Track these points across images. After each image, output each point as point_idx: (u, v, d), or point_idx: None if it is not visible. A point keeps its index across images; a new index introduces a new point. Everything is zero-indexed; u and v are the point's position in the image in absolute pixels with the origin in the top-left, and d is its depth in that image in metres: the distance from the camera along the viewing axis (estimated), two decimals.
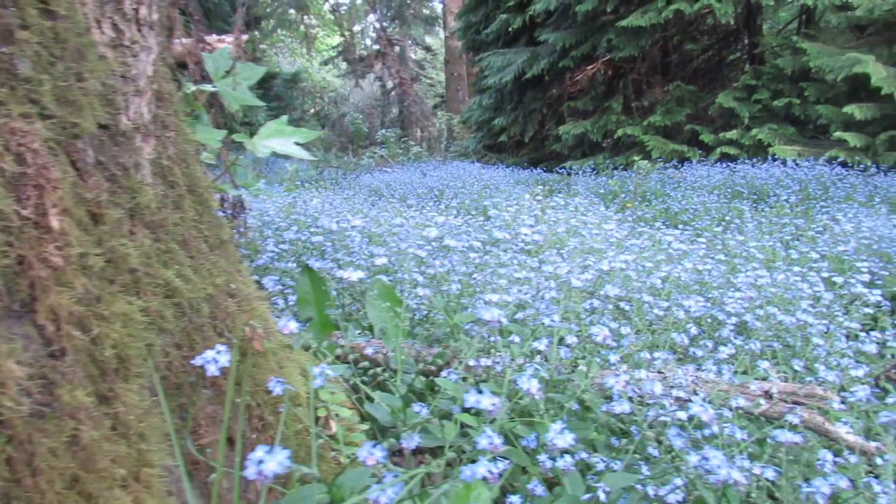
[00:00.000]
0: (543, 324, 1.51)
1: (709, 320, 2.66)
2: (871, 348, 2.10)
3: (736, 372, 2.46)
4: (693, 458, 1.08)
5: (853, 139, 8.82)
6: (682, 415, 1.23)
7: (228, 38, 3.44)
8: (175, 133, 1.01)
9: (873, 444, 1.83)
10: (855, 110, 8.76)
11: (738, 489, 1.34)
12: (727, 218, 5.90)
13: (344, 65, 28.30)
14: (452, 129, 20.09)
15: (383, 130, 17.16)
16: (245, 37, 1.74)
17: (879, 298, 2.73)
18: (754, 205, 7.33)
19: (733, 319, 2.57)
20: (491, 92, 13.60)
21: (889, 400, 1.66)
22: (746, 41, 11.99)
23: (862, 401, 1.61)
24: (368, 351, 1.49)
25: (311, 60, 29.90)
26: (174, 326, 0.91)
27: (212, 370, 0.85)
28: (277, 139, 1.35)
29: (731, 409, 1.59)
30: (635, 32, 10.58)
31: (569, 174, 10.84)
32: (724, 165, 9.10)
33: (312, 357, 1.42)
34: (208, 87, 1.38)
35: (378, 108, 30.85)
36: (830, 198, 7.05)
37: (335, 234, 2.92)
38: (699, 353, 2.19)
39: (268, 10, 21.76)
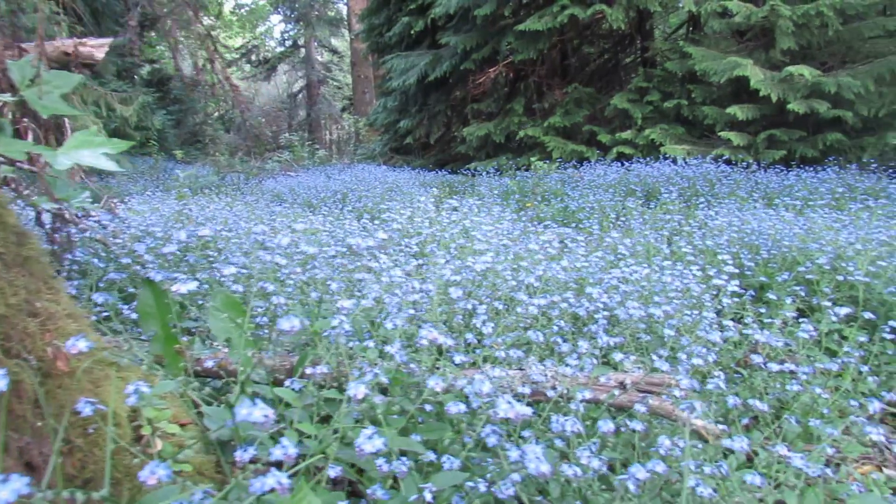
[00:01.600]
0: (387, 327, 1.52)
1: (584, 315, 2.75)
2: (713, 338, 2.22)
3: (608, 363, 2.55)
4: (514, 454, 1.11)
5: (736, 138, 9.34)
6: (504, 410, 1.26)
7: (97, 42, 3.28)
8: None
9: (718, 427, 1.94)
10: (737, 111, 9.28)
11: (567, 480, 1.39)
12: (613, 216, 6.12)
13: (248, 67, 27.64)
14: (359, 131, 19.98)
15: (286, 134, 16.84)
16: (73, 41, 1.66)
17: (737, 288, 2.90)
18: (646, 202, 7.64)
19: (604, 313, 2.66)
20: (396, 94, 13.62)
21: (709, 386, 1.76)
22: (639, 45, 12.50)
23: (694, 388, 1.70)
24: (209, 364, 1.45)
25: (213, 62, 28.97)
26: None
27: None
28: (86, 150, 1.28)
29: (579, 402, 1.65)
30: (533, 36, 10.84)
31: (473, 175, 10.98)
32: (620, 164, 9.45)
33: (147, 373, 1.37)
34: (6, 98, 1.30)
35: (285, 110, 30.33)
36: (716, 194, 7.44)
37: (209, 243, 2.84)
38: (565, 348, 2.26)
39: (165, 10, 20.95)
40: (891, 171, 8.12)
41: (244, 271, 2.24)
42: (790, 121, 9.22)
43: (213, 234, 2.39)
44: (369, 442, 0.96)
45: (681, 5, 11.88)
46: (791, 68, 8.69)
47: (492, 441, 1.16)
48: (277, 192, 10.26)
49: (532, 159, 9.20)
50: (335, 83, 29.42)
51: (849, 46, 9.44)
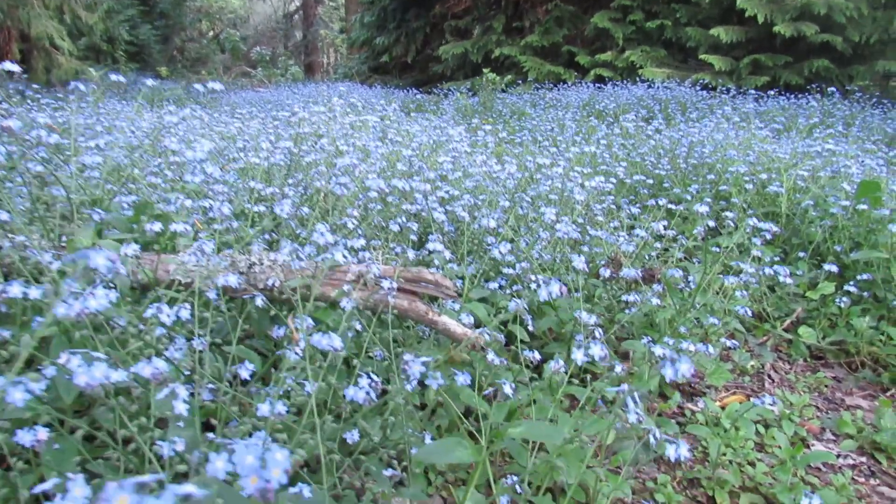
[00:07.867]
0: None
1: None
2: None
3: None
4: None
5: (719, 62, 8.75)
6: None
7: None
8: None
9: (484, 336, 1.58)
10: (721, 32, 8.67)
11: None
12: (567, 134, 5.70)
13: None
14: (338, 49, 19.19)
15: (257, 48, 16.14)
16: None
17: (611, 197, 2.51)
18: (613, 123, 7.16)
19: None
20: (375, 9, 12.89)
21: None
22: None
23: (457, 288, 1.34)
24: None
25: None
26: None
27: None
28: None
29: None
30: None
31: (446, 95, 10.48)
32: (596, 87, 8.92)
33: None
34: None
35: (280, 31, 29.31)
36: (687, 119, 6.96)
37: None
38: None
39: None
40: (875, 99, 7.55)
41: None
42: (777, 45, 8.60)
43: None
44: None
45: None
46: None
47: None
48: (234, 103, 9.83)
49: (485, 71, 8.63)
50: (332, 3, 28.26)
51: None
